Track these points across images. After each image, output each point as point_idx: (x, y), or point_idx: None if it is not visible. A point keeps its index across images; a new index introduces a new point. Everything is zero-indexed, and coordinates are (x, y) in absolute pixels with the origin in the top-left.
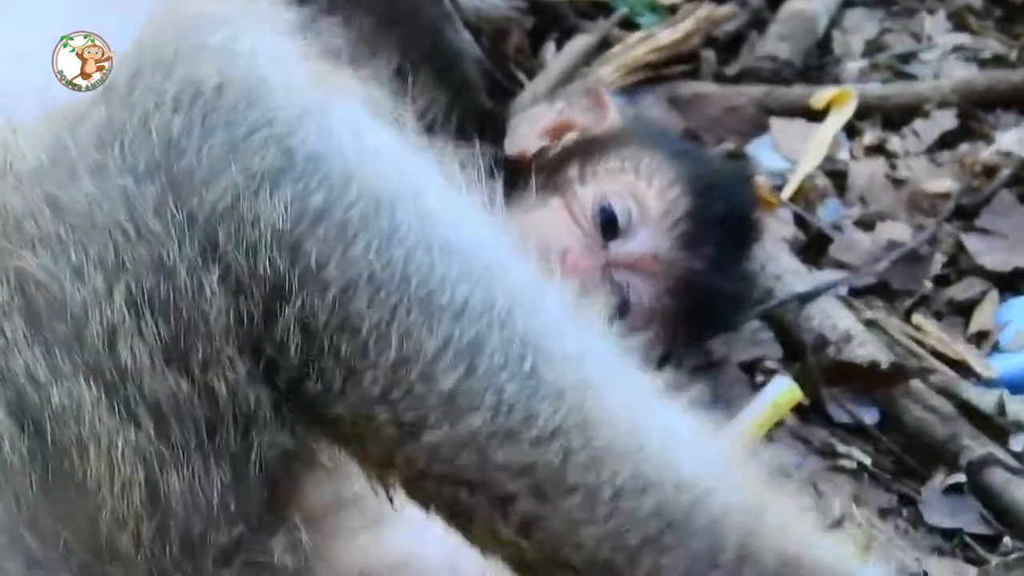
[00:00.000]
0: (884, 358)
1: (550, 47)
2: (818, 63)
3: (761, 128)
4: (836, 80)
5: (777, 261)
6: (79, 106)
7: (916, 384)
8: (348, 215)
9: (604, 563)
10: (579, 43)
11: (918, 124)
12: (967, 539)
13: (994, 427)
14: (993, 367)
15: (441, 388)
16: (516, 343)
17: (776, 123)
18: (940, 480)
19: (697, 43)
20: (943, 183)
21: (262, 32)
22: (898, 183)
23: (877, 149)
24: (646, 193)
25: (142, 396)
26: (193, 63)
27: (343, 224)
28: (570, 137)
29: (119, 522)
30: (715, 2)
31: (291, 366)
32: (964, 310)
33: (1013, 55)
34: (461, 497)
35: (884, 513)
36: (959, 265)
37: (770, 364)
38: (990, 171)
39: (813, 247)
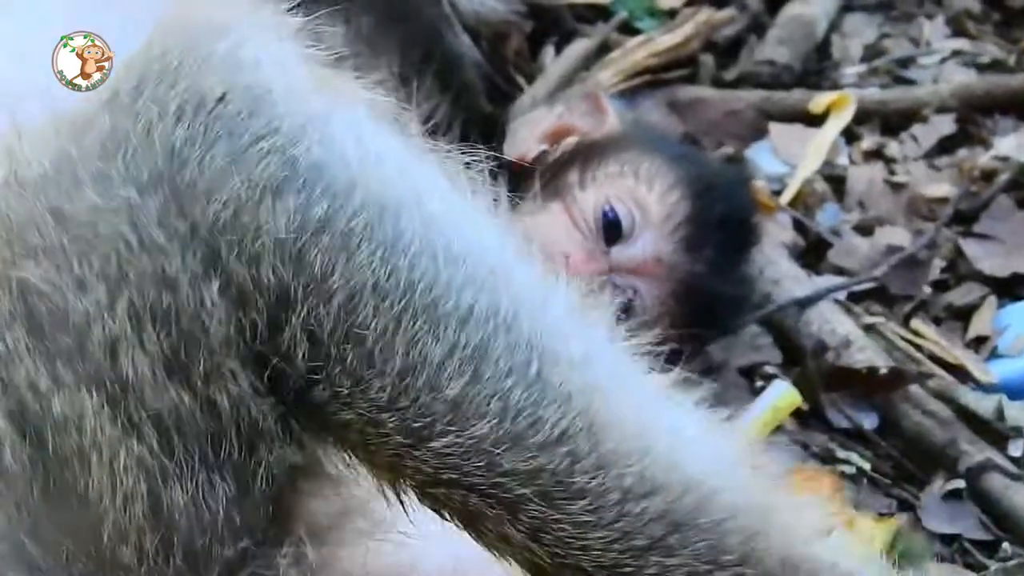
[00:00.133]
0: (883, 363)
1: (549, 51)
2: (817, 68)
3: (760, 133)
4: (835, 85)
5: (776, 266)
6: (84, 114)
7: (915, 389)
8: (352, 224)
9: (613, 565)
10: (578, 47)
11: (917, 129)
12: (966, 544)
13: (993, 432)
14: (992, 372)
15: (447, 395)
16: (522, 348)
17: (775, 128)
18: (939, 485)
19: (696, 47)
20: (942, 188)
21: (266, 40)
22: (897, 188)
23: (876, 154)
24: (647, 197)
25: (144, 408)
26: (197, 73)
27: (347, 233)
28: (569, 141)
29: (121, 534)
30: (714, 7)
31: (298, 374)
32: (963, 315)
33: (1011, 60)
34: (471, 502)
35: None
36: (958, 270)
37: (769, 369)
38: (988, 176)
39: (812, 252)
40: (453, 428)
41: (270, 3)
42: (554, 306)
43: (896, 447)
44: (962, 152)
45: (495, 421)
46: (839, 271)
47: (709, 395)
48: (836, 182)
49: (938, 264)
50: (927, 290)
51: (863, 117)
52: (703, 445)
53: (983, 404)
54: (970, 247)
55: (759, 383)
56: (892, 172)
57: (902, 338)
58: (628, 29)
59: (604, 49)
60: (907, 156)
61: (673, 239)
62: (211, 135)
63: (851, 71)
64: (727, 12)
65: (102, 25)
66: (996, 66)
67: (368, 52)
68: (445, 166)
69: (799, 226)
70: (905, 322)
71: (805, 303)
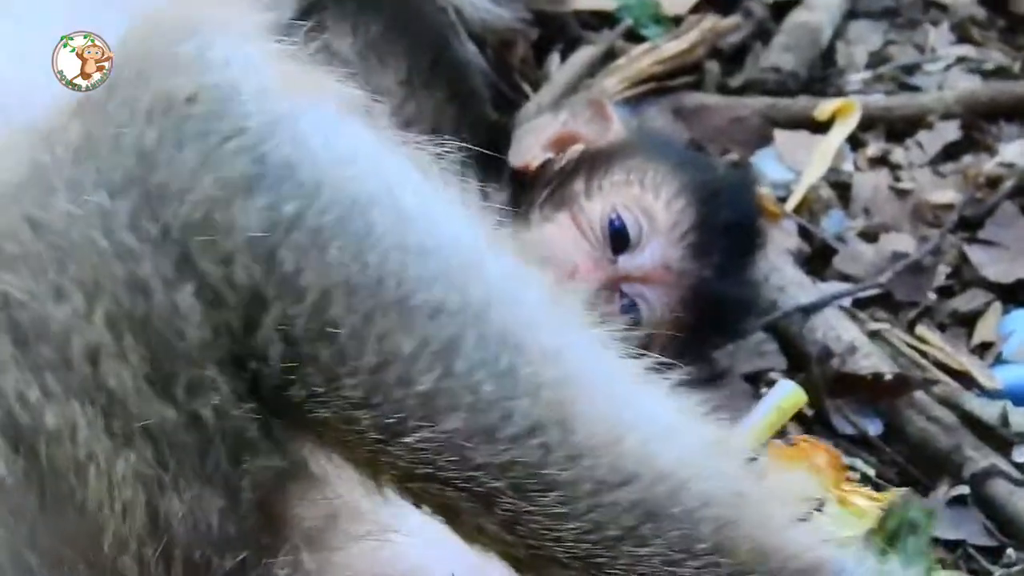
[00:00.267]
0: (888, 369)
1: (555, 58)
2: (822, 74)
3: (765, 139)
4: (840, 91)
5: (781, 272)
6: (57, 120)
7: (920, 395)
8: (321, 221)
9: (586, 556)
10: (584, 54)
11: (922, 135)
12: (971, 551)
13: (997, 438)
14: (996, 378)
15: (419, 390)
16: (492, 341)
17: (780, 134)
18: (944, 491)
19: (702, 54)
20: (947, 194)
21: (235, 39)
22: (902, 194)
23: (881, 160)
24: (653, 205)
25: (135, 421)
26: (166, 74)
27: (316, 230)
28: (575, 149)
29: (122, 544)
30: (719, 14)
31: (274, 374)
32: (967, 321)
33: (1016, 66)
34: (446, 495)
35: None
36: (963, 276)
37: (774, 375)
38: (993, 182)
39: (817, 258)
40: (425, 423)
41: (248, 2)
42: (526, 297)
43: (901, 453)
44: (967, 159)
45: (466, 415)
46: (844, 277)
47: (709, 398)
48: (841, 189)
49: (943, 270)
50: (932, 296)
51: (868, 124)
52: (676, 433)
53: (988, 410)
54: (975, 253)
55: (764, 389)
56: (897, 179)
57: (907, 344)
58: (633, 36)
59: (609, 56)
60: (912, 163)
61: (681, 246)
62: (181, 136)
63: (856, 78)
64: (732, 19)
65: (102, 25)
66: (1001, 73)
67: (376, 60)
68: (418, 159)
69: (804, 233)
70: (910, 328)
71: (810, 309)
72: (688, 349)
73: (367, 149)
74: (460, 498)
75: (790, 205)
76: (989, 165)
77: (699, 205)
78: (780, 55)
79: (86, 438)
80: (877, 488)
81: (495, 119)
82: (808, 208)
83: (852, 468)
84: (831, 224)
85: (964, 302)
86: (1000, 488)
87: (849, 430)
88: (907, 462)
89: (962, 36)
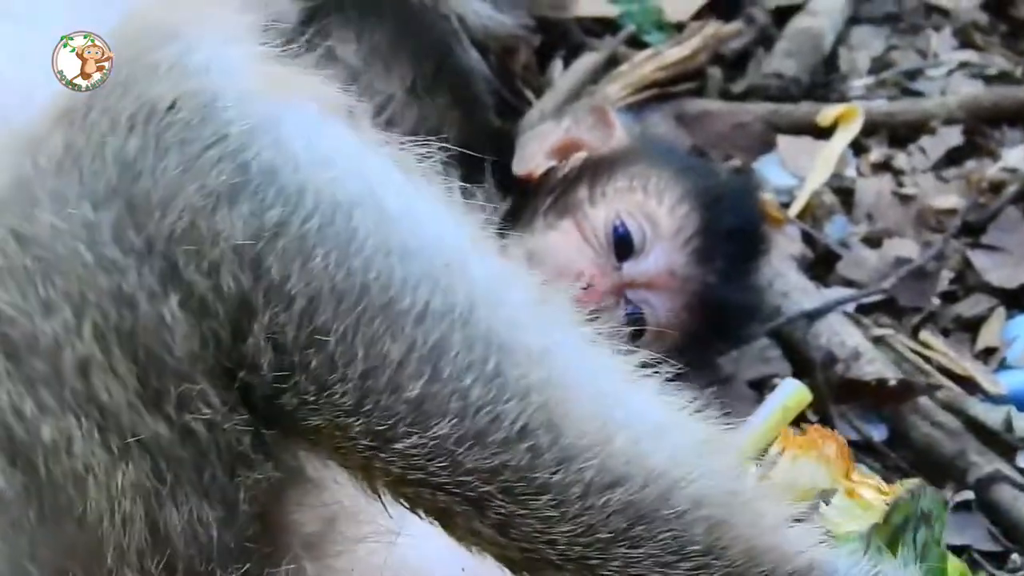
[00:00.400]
0: (892, 375)
1: (557, 65)
2: (825, 80)
3: (768, 145)
4: (842, 97)
5: (785, 278)
6: (38, 131)
7: (924, 401)
8: (305, 227)
9: (579, 558)
10: (586, 61)
11: (924, 141)
12: (976, 555)
13: (1002, 443)
14: (1000, 383)
15: (408, 395)
16: (479, 343)
17: (783, 140)
18: (948, 497)
19: (704, 60)
20: (950, 200)
21: (215, 44)
22: (905, 200)
23: (884, 166)
24: (657, 211)
25: (129, 435)
26: (146, 82)
27: (301, 236)
28: (578, 157)
29: (124, 556)
30: (722, 20)
31: (265, 383)
32: (971, 326)
33: (1019, 72)
34: (439, 500)
35: None
36: (966, 281)
37: (778, 381)
38: (996, 187)
39: (821, 264)
40: (415, 429)
41: (225, 5)
42: (512, 297)
43: (905, 458)
44: (970, 164)
45: (456, 420)
46: (848, 283)
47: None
48: (844, 194)
49: (946, 276)
50: (936, 302)
51: (871, 129)
52: (667, 432)
53: (992, 415)
54: (978, 258)
55: (768, 395)
56: (900, 184)
57: (911, 350)
58: (636, 43)
59: (612, 63)
60: (915, 168)
61: (685, 251)
62: (163, 145)
63: (859, 83)
64: (735, 25)
65: (102, 25)
66: (1003, 78)
67: (381, 66)
68: (401, 160)
69: (808, 238)
70: (914, 334)
71: (814, 315)
72: (693, 354)
73: (349, 151)
74: (453, 502)
75: (793, 211)
76: (992, 170)
77: (702, 211)
78: (782, 61)
79: (83, 451)
80: (888, 481)
81: (498, 126)
82: (811, 214)
83: None
84: (834, 230)
85: (968, 307)
86: (1005, 493)
87: (854, 436)
88: (912, 467)
89: (964, 41)
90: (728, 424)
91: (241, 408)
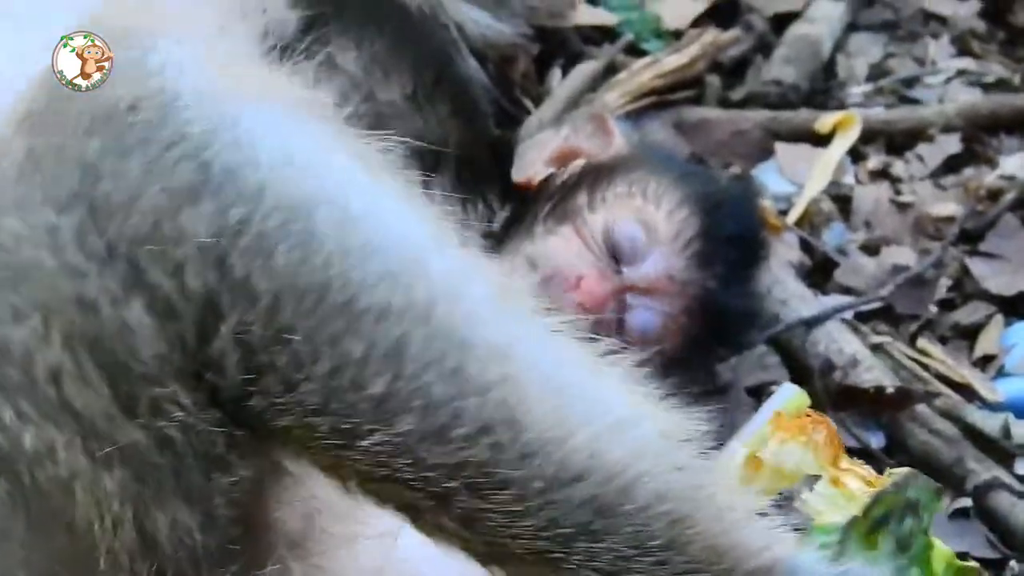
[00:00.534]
0: (890, 382)
1: (556, 73)
2: (823, 87)
3: (766, 152)
4: (841, 104)
5: (783, 286)
6: (0, 135)
7: (922, 408)
8: (265, 226)
9: (542, 551)
10: (585, 69)
11: (922, 148)
12: (974, 563)
13: (999, 450)
14: (998, 391)
15: (372, 393)
16: (439, 340)
17: (781, 147)
18: (946, 504)
19: (702, 68)
20: (948, 207)
21: (175, 44)
22: (903, 207)
23: (882, 173)
24: (656, 216)
25: (108, 444)
26: (106, 83)
27: (263, 235)
28: (577, 164)
29: (116, 560)
30: (720, 27)
31: (232, 385)
32: (969, 334)
33: (1017, 79)
34: (405, 495)
35: None
36: (964, 289)
37: (777, 388)
38: (994, 195)
39: (819, 271)
40: (380, 426)
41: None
42: (472, 292)
43: (903, 466)
44: (968, 171)
45: (418, 417)
46: (846, 290)
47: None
48: (842, 202)
49: (944, 283)
50: (933, 309)
51: (869, 137)
52: (629, 426)
53: (990, 423)
54: (976, 266)
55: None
56: (898, 191)
57: (909, 357)
58: (634, 50)
59: (611, 71)
60: (913, 175)
61: (684, 256)
62: (124, 146)
63: (857, 91)
64: (733, 33)
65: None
66: (1001, 85)
67: (380, 74)
68: (363, 156)
69: (806, 246)
70: (912, 341)
71: (812, 323)
72: (692, 361)
73: (310, 150)
74: (419, 498)
75: (791, 218)
76: (990, 178)
77: (702, 216)
78: (781, 68)
79: (66, 459)
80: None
81: (497, 134)
82: (809, 221)
83: None
84: (832, 237)
85: (965, 315)
86: (1003, 500)
87: (852, 443)
88: None
89: (962, 49)
90: (695, 415)
91: (212, 409)
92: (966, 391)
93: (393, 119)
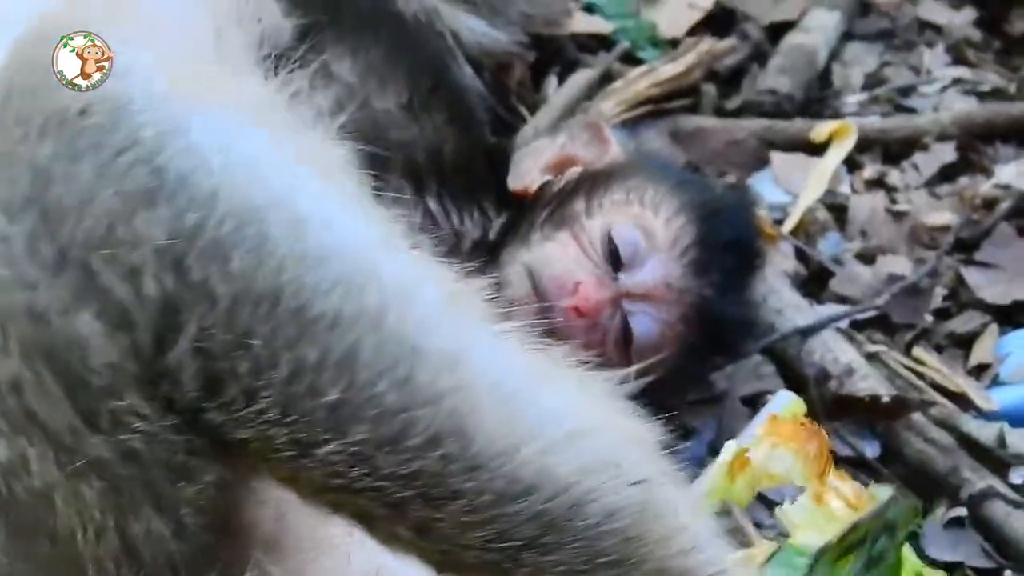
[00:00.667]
0: (885, 391)
1: (552, 81)
2: (818, 96)
3: (762, 162)
4: (836, 113)
5: (778, 295)
6: None
7: (917, 417)
8: (219, 232)
9: (492, 563)
10: (581, 77)
11: (918, 157)
12: (968, 572)
13: (994, 460)
14: (993, 400)
15: (327, 401)
16: (391, 349)
17: (777, 157)
18: (941, 513)
19: (698, 77)
20: (943, 216)
21: (127, 45)
22: (898, 216)
23: (877, 182)
24: (653, 222)
25: (78, 456)
26: (57, 88)
27: (217, 240)
28: (573, 171)
29: (102, 568)
30: (716, 36)
31: (189, 396)
32: (964, 343)
33: (1012, 88)
34: (360, 504)
35: None
36: (959, 298)
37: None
38: (990, 204)
39: (814, 281)
40: (335, 435)
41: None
42: (424, 298)
43: (898, 475)
44: (963, 180)
45: (373, 426)
46: (841, 300)
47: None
48: (838, 211)
49: (940, 292)
50: (929, 318)
51: (864, 146)
52: (581, 440)
53: (985, 432)
54: (971, 275)
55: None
56: (893, 201)
57: (904, 366)
58: (630, 59)
59: (606, 79)
60: (908, 184)
61: (681, 263)
62: (75, 150)
63: (852, 100)
64: (729, 41)
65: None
66: (996, 94)
67: (376, 83)
68: (318, 161)
69: (801, 255)
70: (907, 350)
71: (807, 332)
72: (688, 369)
73: (263, 155)
74: (374, 507)
75: (787, 227)
76: (985, 187)
77: (699, 223)
78: (776, 77)
79: (40, 471)
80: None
81: (493, 142)
82: (805, 230)
83: None
84: (828, 246)
85: (961, 324)
86: (997, 510)
87: (847, 452)
88: (905, 484)
89: (957, 58)
90: (657, 427)
91: (170, 416)
92: (961, 400)
93: (389, 127)
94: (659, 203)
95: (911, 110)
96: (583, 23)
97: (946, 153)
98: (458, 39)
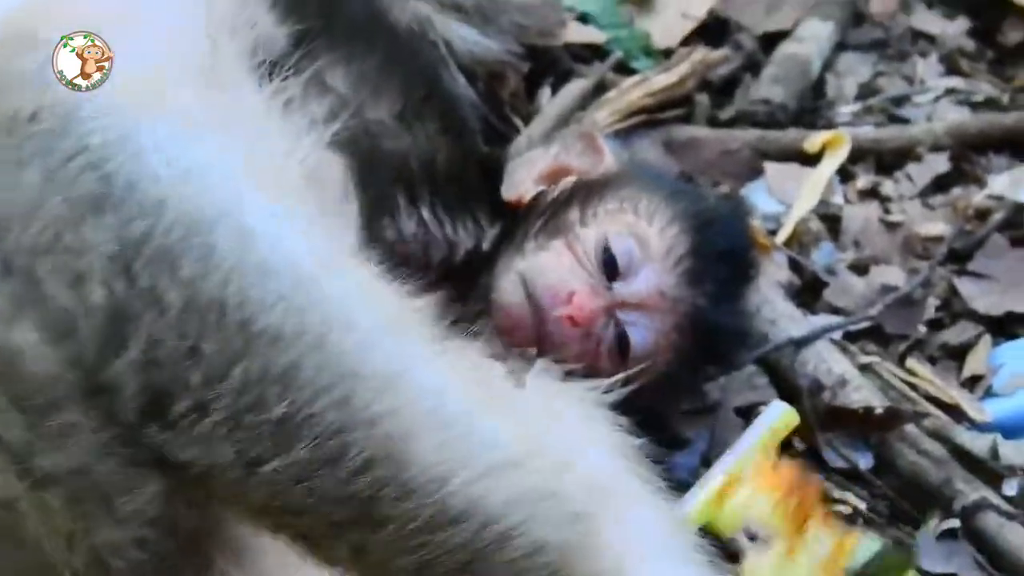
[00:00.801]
0: (879, 402)
1: (545, 91)
2: (812, 106)
3: (755, 172)
4: (829, 123)
5: (772, 305)
6: None
7: (910, 428)
8: (168, 239)
9: None
10: (574, 87)
11: (911, 168)
12: None
13: (987, 471)
14: (986, 411)
15: (273, 416)
16: (330, 368)
17: (770, 167)
18: (934, 525)
19: (692, 87)
20: (936, 227)
21: None
22: (891, 227)
23: (870, 193)
24: (647, 232)
25: (37, 470)
26: (9, 91)
27: (165, 248)
28: (567, 181)
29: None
30: (709, 46)
31: (128, 409)
32: (957, 354)
33: (1005, 98)
34: (299, 524)
35: None
36: (952, 309)
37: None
38: (983, 214)
39: (807, 291)
40: (277, 452)
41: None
42: (367, 317)
43: (892, 486)
44: (956, 190)
45: (310, 446)
46: (835, 310)
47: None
48: (831, 221)
49: (933, 303)
50: (922, 329)
51: (858, 156)
52: (515, 470)
53: (978, 443)
54: (965, 286)
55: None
56: (887, 211)
57: (897, 377)
58: (624, 69)
59: (600, 89)
60: (902, 195)
61: (675, 272)
62: (24, 156)
63: (846, 110)
64: (722, 52)
65: None
66: (990, 104)
67: (369, 92)
68: (266, 173)
69: (794, 265)
70: (900, 361)
71: (801, 343)
72: (681, 379)
73: (212, 165)
74: (311, 527)
75: (780, 238)
76: (978, 197)
77: (693, 233)
78: (770, 87)
79: (2, 482)
80: (872, 510)
81: (486, 152)
82: (798, 241)
83: (843, 502)
84: (821, 257)
85: (954, 335)
86: (991, 521)
87: (840, 463)
88: (898, 495)
89: (951, 68)
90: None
91: (112, 427)
92: (954, 412)
93: (382, 136)
94: (653, 213)
95: (904, 120)
96: (577, 33)
97: (939, 163)
98: (451, 49)
